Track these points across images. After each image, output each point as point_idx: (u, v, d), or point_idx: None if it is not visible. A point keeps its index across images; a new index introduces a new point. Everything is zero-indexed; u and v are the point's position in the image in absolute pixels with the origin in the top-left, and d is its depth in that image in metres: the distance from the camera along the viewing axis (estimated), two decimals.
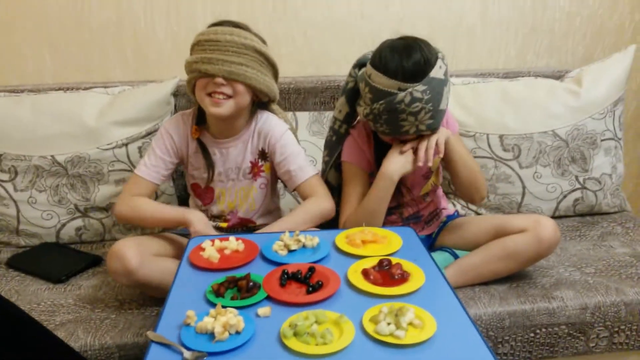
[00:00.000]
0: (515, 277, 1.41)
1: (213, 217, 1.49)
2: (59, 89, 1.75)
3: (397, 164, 1.30)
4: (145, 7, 1.86)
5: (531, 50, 2.09)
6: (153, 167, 1.39)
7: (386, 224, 1.48)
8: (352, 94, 1.40)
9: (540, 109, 1.76)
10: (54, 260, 1.54)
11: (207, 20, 1.80)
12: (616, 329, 1.35)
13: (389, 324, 0.81)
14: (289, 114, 1.81)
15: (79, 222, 1.66)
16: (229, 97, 1.29)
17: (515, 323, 1.31)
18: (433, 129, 1.27)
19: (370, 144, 1.41)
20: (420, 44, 1.23)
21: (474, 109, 1.77)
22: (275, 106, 1.47)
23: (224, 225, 1.47)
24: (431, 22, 1.98)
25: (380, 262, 1.00)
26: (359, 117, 1.39)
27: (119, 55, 1.90)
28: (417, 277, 0.96)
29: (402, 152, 1.30)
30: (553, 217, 1.79)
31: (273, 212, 1.56)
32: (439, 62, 1.22)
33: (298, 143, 1.45)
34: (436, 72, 1.20)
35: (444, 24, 2.00)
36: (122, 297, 1.37)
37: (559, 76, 1.92)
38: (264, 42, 1.35)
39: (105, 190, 1.65)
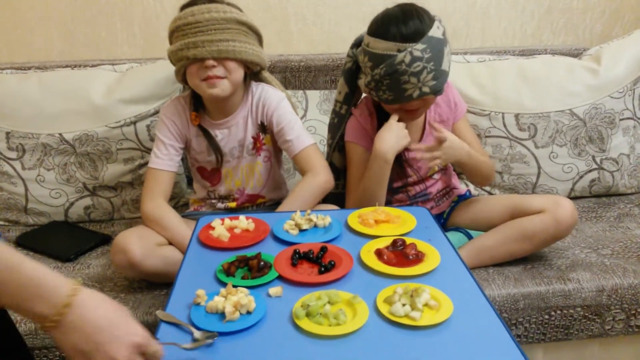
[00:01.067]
0: (530, 258, 1.38)
1: (221, 198, 1.47)
2: (67, 67, 1.73)
3: (389, 141, 1.27)
4: None
5: (548, 28, 2.04)
6: (165, 156, 1.36)
7: (393, 203, 1.46)
8: (351, 74, 1.39)
9: (557, 87, 1.71)
10: (63, 239, 1.53)
11: None
12: (633, 312, 1.32)
13: (404, 305, 0.79)
14: (299, 92, 1.78)
15: (87, 201, 1.65)
16: (223, 77, 1.26)
17: (529, 305, 1.28)
18: (437, 91, 1.24)
19: (373, 122, 1.38)
20: (416, 7, 1.23)
21: (489, 87, 1.72)
22: (266, 74, 1.44)
23: (233, 205, 1.46)
24: (445, 3, 1.93)
25: (394, 242, 0.97)
26: (362, 95, 1.36)
27: (126, 33, 1.87)
28: (433, 258, 0.94)
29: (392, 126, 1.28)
30: (568, 197, 1.76)
31: (280, 185, 1.53)
32: (436, 24, 1.21)
33: (294, 110, 1.42)
34: (434, 32, 1.19)
35: (458, 5, 1.94)
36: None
37: (576, 54, 1.87)
38: (240, 9, 1.31)
39: (113, 168, 1.63)
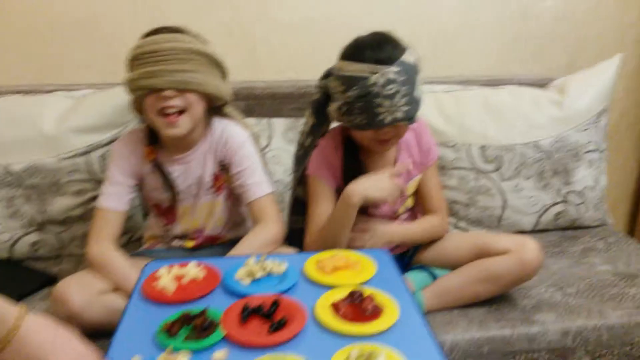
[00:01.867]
0: (494, 298, 1.35)
1: (177, 237, 1.39)
2: (18, 92, 1.64)
3: (360, 184, 1.23)
4: (114, 7, 1.75)
5: (514, 57, 2.04)
6: (115, 194, 1.28)
7: None
8: (318, 105, 1.35)
9: (523, 119, 1.70)
10: (5, 280, 1.44)
11: (180, 22, 1.71)
12: (598, 354, 1.29)
13: None
14: (264, 120, 1.73)
15: (34, 237, 1.56)
16: (182, 111, 1.20)
17: (494, 349, 1.25)
18: (410, 118, 1.21)
19: (339, 156, 1.33)
20: (389, 35, 1.23)
21: (455, 117, 1.70)
22: (229, 108, 1.38)
23: (191, 244, 1.39)
24: (412, 28, 1.90)
25: (351, 295, 0.92)
26: (330, 127, 1.31)
27: (85, 58, 1.79)
28: (391, 312, 0.89)
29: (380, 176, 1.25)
30: (534, 230, 1.75)
31: (241, 223, 1.47)
32: (409, 50, 1.20)
33: (258, 151, 1.37)
34: (408, 57, 1.18)
35: (426, 30, 1.93)
36: None
37: (542, 84, 1.87)
38: (205, 41, 1.26)
39: (63, 202, 1.55)
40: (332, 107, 1.26)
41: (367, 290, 0.93)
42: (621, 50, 2.04)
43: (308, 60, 1.91)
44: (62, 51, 1.77)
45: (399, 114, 1.18)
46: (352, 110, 1.20)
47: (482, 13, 1.94)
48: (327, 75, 1.32)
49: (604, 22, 2.04)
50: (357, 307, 0.90)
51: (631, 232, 2.29)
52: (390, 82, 1.15)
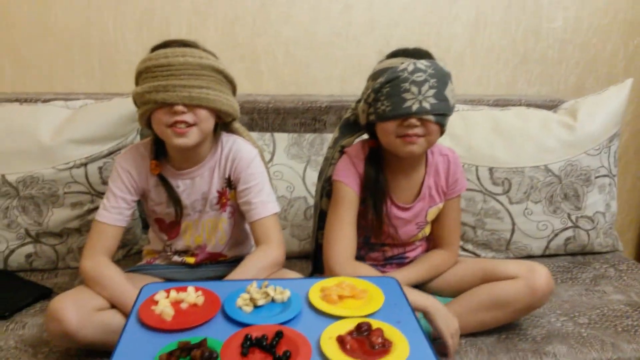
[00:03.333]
0: (503, 327, 1.30)
1: (178, 252, 1.35)
2: (15, 100, 1.60)
3: (443, 310, 1.19)
4: (116, 17, 1.72)
5: (522, 77, 2.01)
6: (114, 209, 1.24)
7: (366, 260, 1.37)
8: (347, 124, 1.35)
9: (532, 141, 1.66)
10: None
11: (182, 33, 1.68)
12: None
13: None
14: (267, 135, 1.69)
15: (29, 248, 1.51)
16: (192, 124, 1.16)
17: None
18: (438, 115, 1.16)
19: (362, 160, 1.29)
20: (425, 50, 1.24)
21: (463, 138, 1.66)
22: (237, 124, 1.34)
23: (192, 261, 1.34)
24: (419, 47, 1.87)
25: (359, 327, 0.87)
26: (361, 121, 1.27)
27: (84, 66, 1.75)
28: (400, 348, 0.84)
29: None
30: (543, 255, 1.70)
31: (244, 241, 1.43)
32: (442, 62, 1.20)
33: (265, 168, 1.33)
34: (439, 62, 1.18)
35: (432, 49, 1.88)
36: None
37: (551, 106, 1.83)
38: (215, 56, 1.22)
39: (60, 214, 1.50)
40: (361, 107, 1.23)
41: (376, 323, 0.89)
42: (629, 72, 2.02)
43: (311, 75, 1.88)
44: (60, 60, 1.74)
45: (426, 105, 1.14)
46: (379, 98, 1.16)
47: (490, 33, 1.92)
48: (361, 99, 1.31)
49: (613, 44, 2.01)
50: (365, 341, 0.85)
51: (639, 257, 2.25)
52: (418, 70, 1.14)
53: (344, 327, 0.88)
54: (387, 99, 1.15)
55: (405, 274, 1.30)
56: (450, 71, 1.20)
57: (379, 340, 0.84)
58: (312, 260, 1.48)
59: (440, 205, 1.34)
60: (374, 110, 1.19)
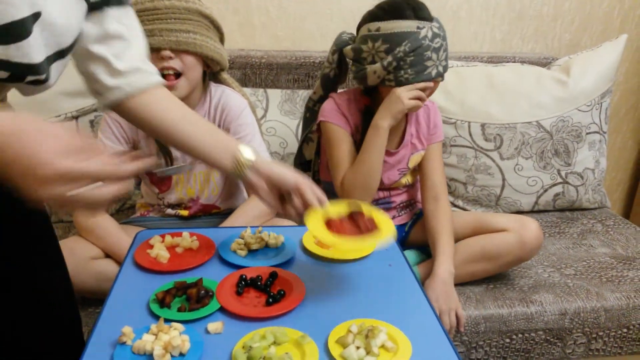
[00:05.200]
0: (492, 277, 1.33)
1: (172, 206, 1.35)
2: None
3: (384, 110, 1.21)
4: None
5: (517, 34, 1.99)
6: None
7: None
8: (328, 80, 1.35)
9: (525, 97, 1.67)
10: None
11: None
12: (594, 336, 1.29)
13: (358, 347, 0.71)
14: (260, 91, 1.68)
15: None
16: (179, 74, 1.15)
17: (490, 328, 1.23)
18: (443, 75, 1.23)
19: (353, 111, 1.31)
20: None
21: (456, 94, 1.66)
22: (226, 75, 1.33)
23: (185, 213, 1.34)
24: None
25: (351, 215, 0.84)
26: (369, 82, 1.26)
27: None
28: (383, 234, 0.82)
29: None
30: (532, 211, 1.73)
31: (235, 193, 1.43)
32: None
33: (256, 120, 1.33)
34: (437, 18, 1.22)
35: (428, 5, 1.87)
36: None
37: (545, 63, 1.83)
38: (202, 3, 1.20)
39: None
40: (372, 69, 1.21)
41: (367, 210, 0.87)
42: (625, 30, 2.01)
43: (305, 30, 1.85)
44: None
45: (441, 68, 1.21)
46: (402, 66, 1.18)
47: None
48: (342, 45, 1.30)
49: (608, 1, 1.99)
50: (353, 224, 0.83)
51: (627, 214, 2.29)
52: (436, 35, 1.18)
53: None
54: (411, 67, 1.18)
55: (447, 265, 1.23)
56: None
57: (367, 222, 0.83)
58: None
59: (422, 152, 1.36)
60: (394, 77, 1.20)
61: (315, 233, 0.81)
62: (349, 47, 1.27)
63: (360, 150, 1.26)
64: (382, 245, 0.96)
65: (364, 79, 1.24)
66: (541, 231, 1.27)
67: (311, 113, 1.42)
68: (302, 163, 1.49)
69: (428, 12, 1.20)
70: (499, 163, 1.66)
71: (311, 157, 1.46)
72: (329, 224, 0.82)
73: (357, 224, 0.83)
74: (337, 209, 0.86)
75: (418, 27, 1.16)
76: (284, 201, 0.85)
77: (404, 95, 1.18)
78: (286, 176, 0.83)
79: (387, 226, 0.84)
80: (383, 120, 1.21)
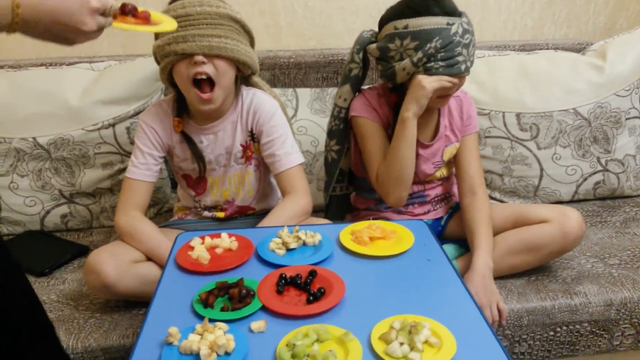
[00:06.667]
0: (533, 269, 1.30)
1: (208, 208, 1.37)
2: (41, 65, 1.62)
3: (410, 100, 1.19)
4: None
5: (549, 20, 1.94)
6: (143, 165, 1.26)
7: None
8: (357, 81, 1.33)
9: (560, 85, 1.62)
10: (38, 251, 1.44)
11: None
12: None
13: (401, 344, 0.70)
14: (289, 91, 1.69)
15: (64, 209, 1.55)
16: (212, 83, 1.17)
17: (534, 321, 1.21)
18: (469, 70, 1.22)
19: (383, 105, 1.30)
20: None
21: (489, 84, 1.63)
22: (257, 79, 1.34)
23: (222, 215, 1.36)
24: None
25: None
26: (398, 80, 1.24)
27: (106, 29, 1.75)
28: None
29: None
30: (572, 201, 1.69)
31: (271, 194, 1.45)
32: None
33: (288, 121, 1.34)
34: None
35: None
36: None
37: (580, 49, 1.78)
38: (232, 8, 1.21)
39: (91, 174, 1.54)
40: (402, 65, 1.20)
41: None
42: None
43: (331, 28, 1.85)
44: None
45: (469, 64, 1.20)
46: (433, 60, 1.17)
47: None
48: (362, 48, 1.29)
49: None
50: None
51: None
52: (466, 31, 1.17)
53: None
54: (442, 61, 1.16)
55: (486, 259, 1.21)
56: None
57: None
58: (325, 214, 1.50)
59: (457, 144, 1.35)
60: (424, 70, 1.18)
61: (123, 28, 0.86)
62: (373, 45, 1.26)
63: (391, 143, 1.25)
64: None
65: (393, 76, 1.22)
66: (583, 221, 1.23)
67: (344, 123, 1.35)
68: (340, 174, 1.42)
69: (455, 7, 1.19)
70: (536, 153, 1.63)
71: (347, 169, 1.41)
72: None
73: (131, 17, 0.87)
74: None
75: (448, 24, 1.15)
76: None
77: (426, 80, 1.16)
78: None
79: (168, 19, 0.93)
80: (408, 110, 1.19)
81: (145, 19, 0.88)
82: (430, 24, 1.15)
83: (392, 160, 1.23)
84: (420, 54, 1.16)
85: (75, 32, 0.75)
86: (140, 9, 0.88)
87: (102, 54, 1.76)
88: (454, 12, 1.17)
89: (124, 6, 0.84)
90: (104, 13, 0.77)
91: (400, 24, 1.18)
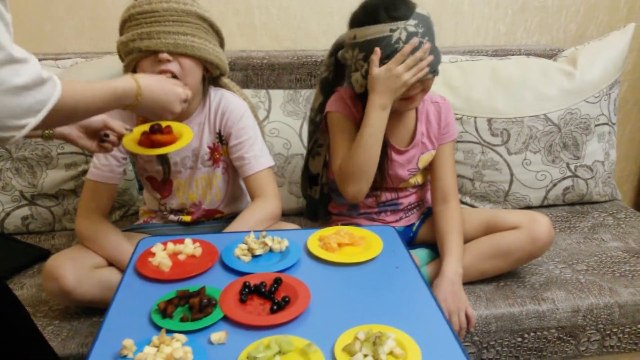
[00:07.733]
0: (502, 275, 1.31)
1: (174, 211, 1.34)
2: None
3: (386, 82, 1.11)
4: None
5: (521, 27, 1.96)
6: (105, 167, 1.21)
7: (361, 208, 1.36)
8: (327, 84, 1.30)
9: (532, 90, 1.63)
10: None
11: None
12: (608, 332, 1.26)
13: (365, 355, 0.69)
14: (262, 92, 1.66)
15: (25, 211, 1.50)
16: (177, 79, 1.13)
17: (502, 327, 1.21)
18: (434, 70, 1.15)
19: (357, 106, 1.25)
20: None
21: (461, 89, 1.63)
22: (226, 80, 1.31)
23: (188, 219, 1.33)
24: None
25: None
26: (357, 91, 1.22)
27: (74, 25, 1.70)
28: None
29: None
30: (541, 206, 1.70)
31: (239, 197, 1.41)
32: (419, 6, 1.14)
33: (258, 123, 1.31)
34: (420, 10, 1.13)
35: (429, 1, 1.84)
36: None
37: (551, 55, 1.79)
38: (201, 6, 1.18)
39: (54, 175, 1.49)
40: (355, 77, 1.17)
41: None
42: (632, 19, 1.97)
43: (306, 30, 1.83)
44: (49, 20, 1.69)
45: (427, 67, 1.12)
46: None
47: None
48: (337, 48, 1.26)
49: None
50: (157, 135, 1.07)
51: (638, 206, 2.25)
52: (412, 35, 1.09)
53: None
54: None
55: (455, 266, 1.20)
56: (428, 12, 1.14)
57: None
58: (307, 216, 1.49)
59: (433, 152, 1.33)
60: None
61: (135, 151, 1.07)
62: (342, 51, 1.23)
63: (358, 132, 1.19)
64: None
65: (354, 85, 1.20)
66: (552, 227, 1.24)
67: (314, 126, 1.35)
68: (309, 177, 1.42)
69: (406, 8, 1.11)
70: (507, 158, 1.63)
71: (318, 171, 1.38)
72: (141, 142, 1.06)
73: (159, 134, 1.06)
74: (139, 128, 1.09)
75: (391, 29, 1.09)
76: (100, 141, 1.05)
77: (402, 71, 1.10)
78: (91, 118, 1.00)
79: (186, 131, 1.10)
80: (380, 98, 1.12)
81: (169, 133, 1.08)
82: (374, 32, 1.11)
83: (355, 150, 1.18)
84: (367, 66, 1.13)
85: (168, 113, 1.04)
86: (164, 124, 1.08)
87: (69, 51, 1.71)
88: (400, 16, 1.10)
89: (152, 127, 1.07)
90: (185, 100, 1.07)
91: (351, 33, 1.16)
